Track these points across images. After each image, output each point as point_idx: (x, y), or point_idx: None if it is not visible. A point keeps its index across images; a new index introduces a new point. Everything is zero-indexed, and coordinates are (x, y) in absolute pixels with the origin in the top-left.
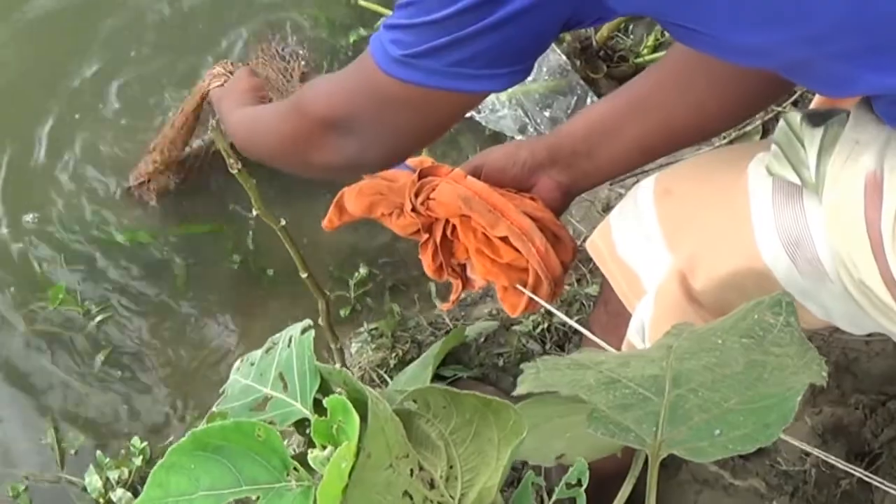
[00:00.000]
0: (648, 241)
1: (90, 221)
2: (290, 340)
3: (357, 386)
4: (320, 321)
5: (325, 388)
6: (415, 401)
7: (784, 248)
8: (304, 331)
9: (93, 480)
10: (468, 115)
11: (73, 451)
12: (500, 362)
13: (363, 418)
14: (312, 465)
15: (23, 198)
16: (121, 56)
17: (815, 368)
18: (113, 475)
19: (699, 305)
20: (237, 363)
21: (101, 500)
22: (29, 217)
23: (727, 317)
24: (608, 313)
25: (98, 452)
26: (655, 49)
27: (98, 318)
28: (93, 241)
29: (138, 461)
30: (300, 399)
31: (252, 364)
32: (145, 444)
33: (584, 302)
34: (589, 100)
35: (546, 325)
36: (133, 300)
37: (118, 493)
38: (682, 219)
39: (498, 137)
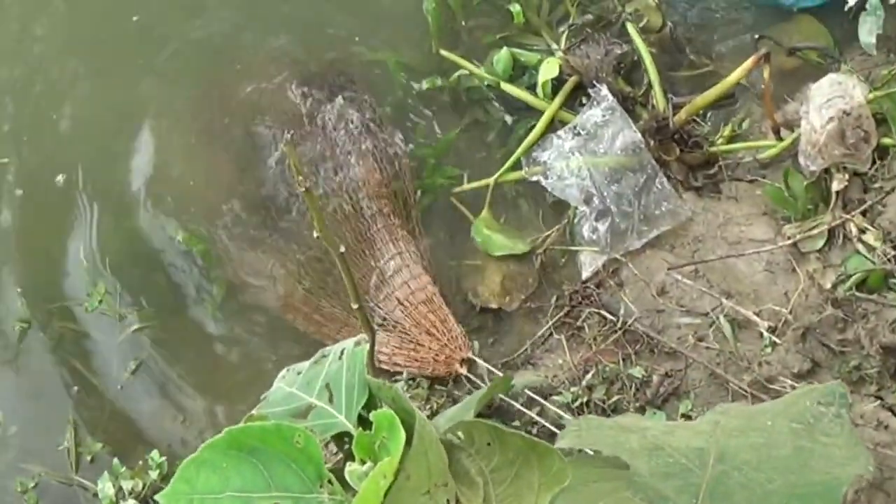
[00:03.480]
0: None
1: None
2: (341, 353)
3: (406, 405)
4: None
5: (371, 405)
6: (459, 435)
7: None
8: (357, 343)
9: (105, 487)
10: (534, 178)
11: (89, 457)
12: (535, 430)
13: (408, 440)
14: (349, 480)
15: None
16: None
17: (863, 461)
18: (127, 485)
19: None
20: (283, 372)
21: None
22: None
23: (778, 400)
24: None
25: (115, 460)
26: (731, 140)
27: (134, 327)
28: (139, 245)
29: (154, 475)
30: (345, 411)
31: (298, 373)
32: (164, 459)
33: (625, 381)
34: (658, 181)
35: (586, 399)
36: (173, 312)
37: (129, 503)
38: None
39: (561, 205)
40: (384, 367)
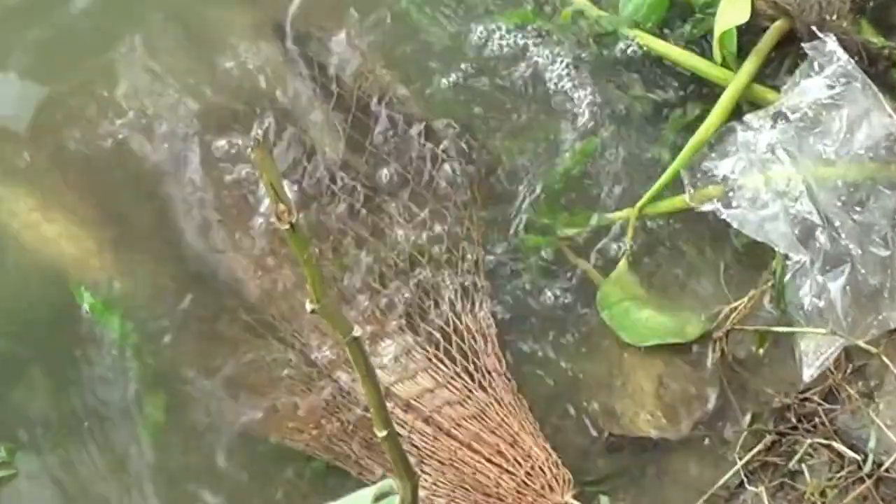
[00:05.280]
0: None
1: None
2: None
3: None
4: None
5: None
6: None
7: None
8: (378, 498)
9: None
10: (706, 206)
11: None
12: None
13: None
14: None
15: None
16: None
17: None
18: None
19: None
20: None
21: None
22: None
23: None
24: None
25: None
26: None
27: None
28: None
29: None
30: None
31: None
32: None
33: None
34: None
35: None
36: (71, 441)
37: None
38: None
39: (758, 252)
40: None
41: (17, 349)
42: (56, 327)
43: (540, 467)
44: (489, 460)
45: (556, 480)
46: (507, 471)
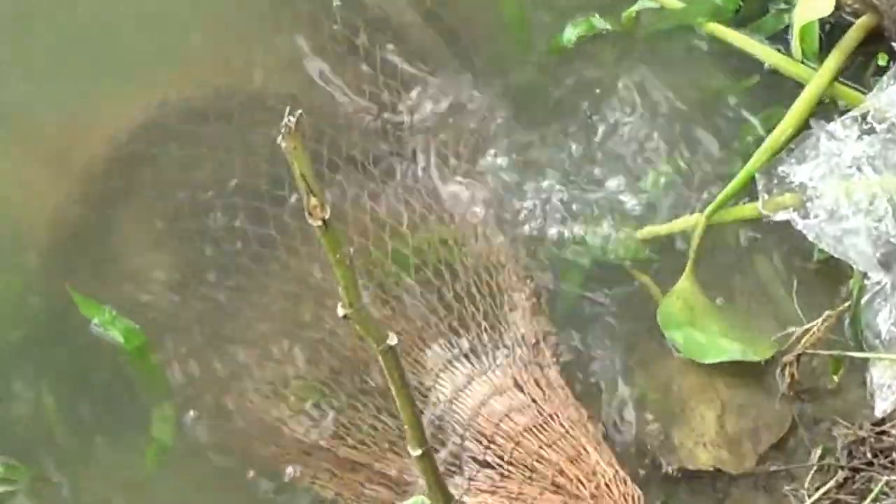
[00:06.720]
0: None
1: None
2: None
3: None
4: None
5: None
6: None
7: None
8: None
9: None
10: (780, 216)
11: None
12: None
13: None
14: None
15: None
16: None
17: None
18: None
19: None
20: None
21: None
22: None
23: None
24: None
25: None
26: None
27: None
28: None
29: None
30: None
31: None
32: None
33: None
34: None
35: None
36: (71, 463)
37: None
38: None
39: (834, 270)
40: None
41: (16, 359)
42: (58, 335)
43: (606, 484)
44: (553, 482)
45: (626, 499)
46: (572, 493)
